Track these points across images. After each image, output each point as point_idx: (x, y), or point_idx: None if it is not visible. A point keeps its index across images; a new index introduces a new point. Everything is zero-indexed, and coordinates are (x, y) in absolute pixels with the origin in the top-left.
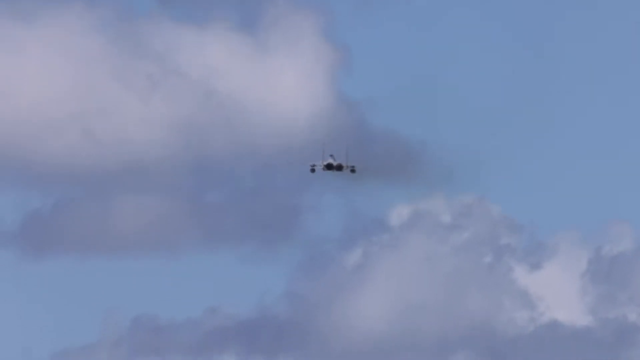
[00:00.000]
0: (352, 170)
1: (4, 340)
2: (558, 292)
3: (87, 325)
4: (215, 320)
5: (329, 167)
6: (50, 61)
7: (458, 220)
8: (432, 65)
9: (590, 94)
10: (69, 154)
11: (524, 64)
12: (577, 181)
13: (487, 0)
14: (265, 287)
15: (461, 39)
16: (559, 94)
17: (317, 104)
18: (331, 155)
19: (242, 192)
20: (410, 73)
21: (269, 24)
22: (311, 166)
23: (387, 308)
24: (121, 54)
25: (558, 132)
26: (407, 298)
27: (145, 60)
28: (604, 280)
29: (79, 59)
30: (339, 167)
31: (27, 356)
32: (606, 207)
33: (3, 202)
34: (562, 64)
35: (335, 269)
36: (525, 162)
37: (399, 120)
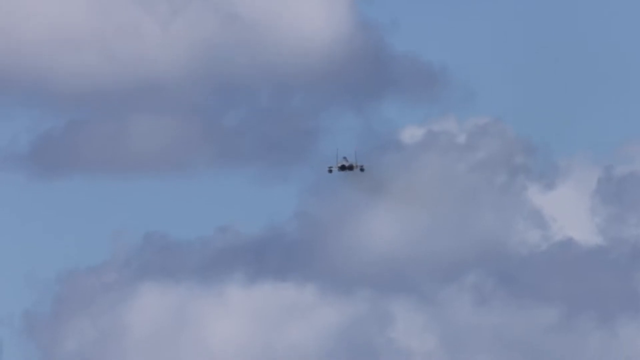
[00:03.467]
0: (362, 169)
1: (18, 259)
2: (571, 212)
3: (99, 244)
4: (226, 240)
5: (342, 168)
6: None
7: (473, 141)
8: None
9: (605, 16)
10: (87, 73)
11: None
12: (590, 102)
13: None
14: (277, 208)
15: None
16: (575, 16)
17: (338, 27)
18: (344, 158)
19: (257, 113)
20: None
21: None
22: (329, 168)
23: (399, 229)
24: None
25: (572, 53)
26: (420, 219)
27: None
28: (616, 200)
29: None
30: (351, 167)
31: (39, 275)
32: (620, 127)
33: (18, 123)
34: None
35: (348, 190)
36: (540, 84)
37: (420, 43)
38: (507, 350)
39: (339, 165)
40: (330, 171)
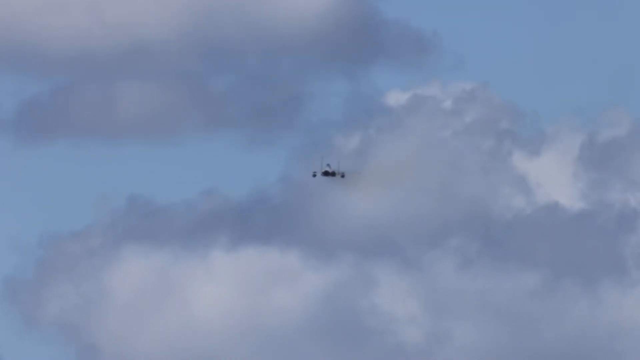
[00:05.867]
0: (342, 176)
1: (2, 224)
2: (556, 178)
3: (84, 208)
4: (210, 204)
5: (325, 173)
6: None
7: (459, 106)
8: None
9: None
10: (73, 38)
11: None
12: (577, 68)
13: None
14: (263, 172)
15: None
16: None
17: None
18: (328, 165)
19: (245, 78)
20: None
21: None
22: (313, 173)
23: (385, 193)
24: None
25: (560, 20)
26: (406, 183)
27: None
28: (601, 165)
29: None
30: (333, 174)
31: (23, 239)
32: (604, 93)
33: (3, 87)
34: None
35: (335, 155)
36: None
37: (411, 10)
38: (491, 314)
39: (323, 170)
40: (314, 175)
